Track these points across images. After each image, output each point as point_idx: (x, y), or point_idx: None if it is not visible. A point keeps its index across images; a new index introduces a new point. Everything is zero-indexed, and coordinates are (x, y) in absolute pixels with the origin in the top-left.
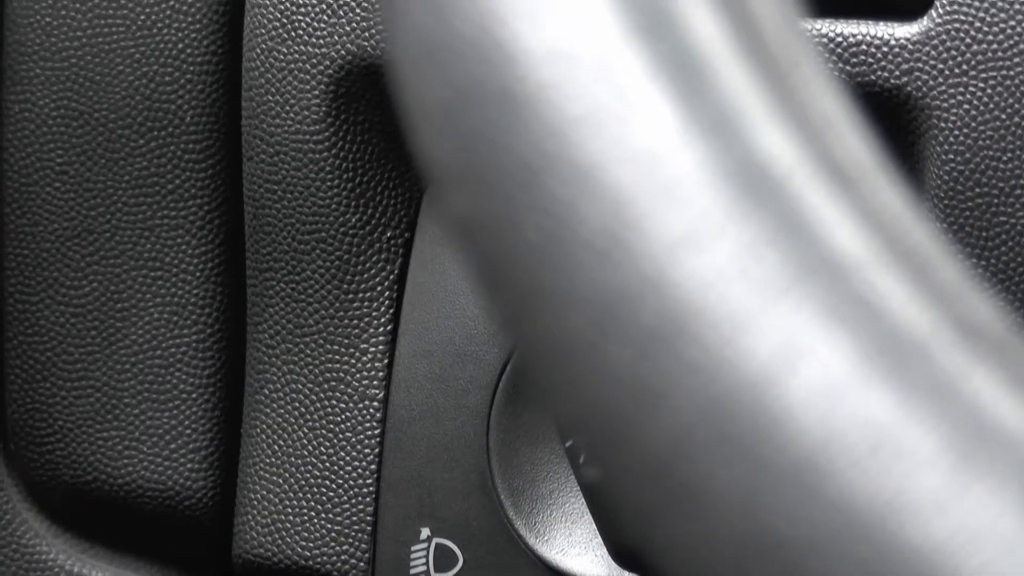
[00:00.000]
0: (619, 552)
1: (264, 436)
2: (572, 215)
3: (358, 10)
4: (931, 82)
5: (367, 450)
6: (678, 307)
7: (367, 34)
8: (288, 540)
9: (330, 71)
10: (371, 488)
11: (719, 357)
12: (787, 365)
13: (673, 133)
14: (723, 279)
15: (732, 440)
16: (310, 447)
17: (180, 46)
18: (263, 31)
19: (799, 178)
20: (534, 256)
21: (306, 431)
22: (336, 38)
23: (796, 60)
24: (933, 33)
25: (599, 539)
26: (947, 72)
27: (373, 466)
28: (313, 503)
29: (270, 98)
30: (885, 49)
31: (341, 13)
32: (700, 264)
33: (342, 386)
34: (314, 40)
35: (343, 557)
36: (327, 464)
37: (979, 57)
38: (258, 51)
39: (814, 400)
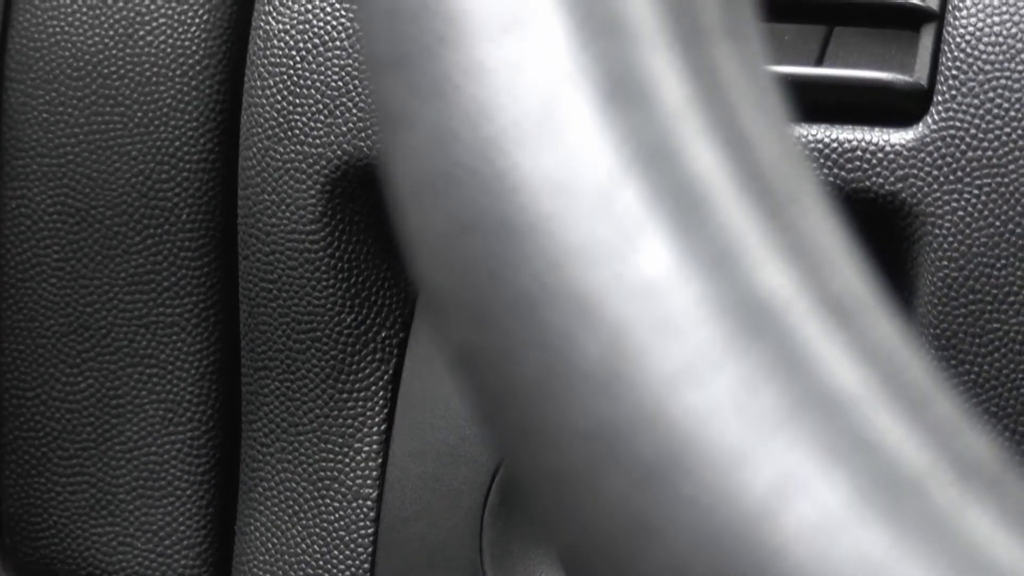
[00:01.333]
0: None
1: (258, 534)
2: (571, 348)
3: (354, 111)
4: (926, 189)
5: (360, 549)
6: (674, 441)
7: (363, 135)
8: None
9: (326, 171)
10: None
11: (715, 492)
12: (782, 500)
13: (671, 267)
14: (720, 414)
15: (727, 575)
16: (304, 545)
17: (177, 144)
18: (260, 130)
19: (796, 313)
20: (532, 388)
21: (300, 529)
22: (332, 138)
23: (794, 191)
24: (928, 140)
25: None
26: (942, 179)
27: (366, 565)
28: None
29: (266, 197)
30: (880, 155)
31: (338, 113)
32: (697, 398)
33: (336, 485)
34: (311, 140)
35: None
36: (320, 562)
37: (974, 164)
38: (255, 150)
39: (809, 536)
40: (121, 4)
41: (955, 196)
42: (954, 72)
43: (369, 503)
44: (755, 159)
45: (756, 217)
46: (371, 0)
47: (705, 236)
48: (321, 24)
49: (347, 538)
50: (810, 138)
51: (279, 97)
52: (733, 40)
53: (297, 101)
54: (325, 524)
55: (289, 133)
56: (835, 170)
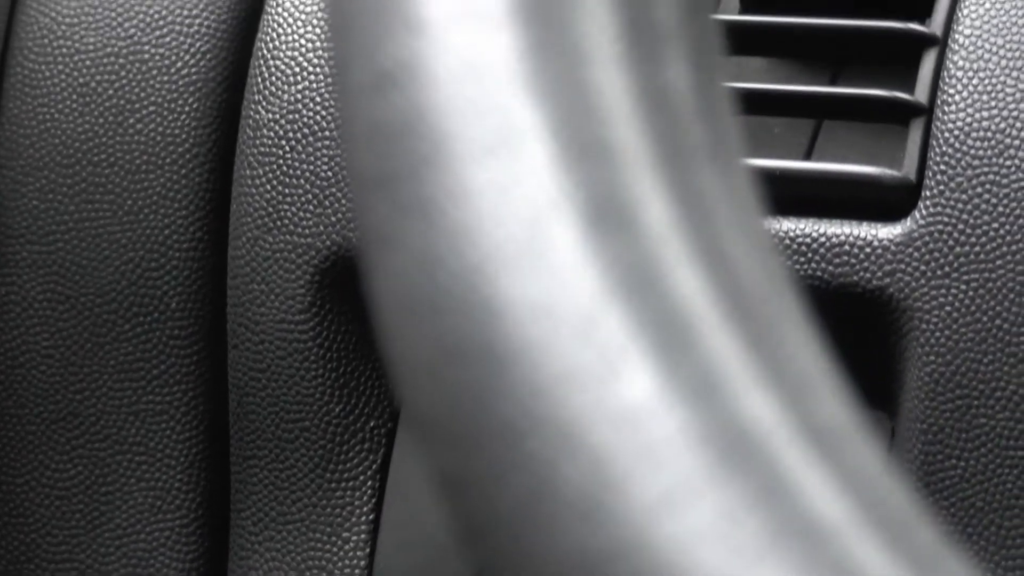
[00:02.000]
0: None
1: None
2: (554, 475)
3: (343, 201)
4: (913, 283)
5: None
6: (657, 570)
7: (352, 225)
8: None
9: (315, 261)
10: None
11: None
12: None
13: (654, 394)
14: (701, 543)
15: None
16: None
17: (166, 232)
18: (249, 220)
19: (778, 441)
20: (514, 515)
21: None
22: (322, 228)
23: (777, 317)
24: (916, 235)
25: None
26: (929, 274)
27: None
28: None
29: (255, 287)
30: (868, 250)
31: (327, 204)
32: (679, 527)
33: (324, 575)
34: (300, 230)
35: None
36: None
37: (962, 259)
38: (244, 239)
39: None
40: (111, 92)
41: (943, 291)
42: (942, 167)
43: None
44: (738, 285)
45: (739, 344)
46: (356, 118)
47: (688, 364)
48: (311, 114)
49: None
50: (798, 232)
51: (269, 187)
52: (717, 162)
53: (287, 191)
54: None
55: (279, 223)
56: (823, 264)
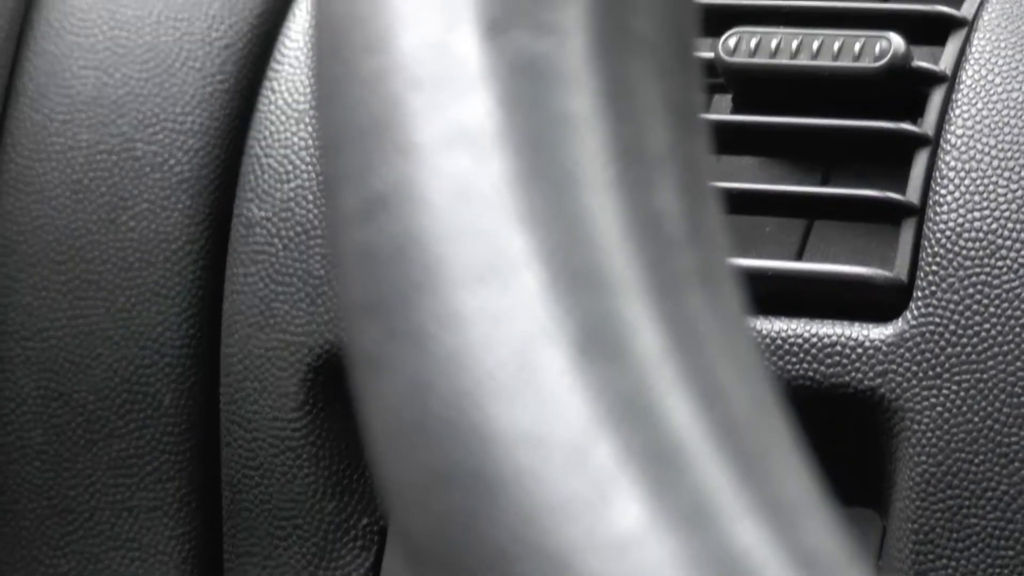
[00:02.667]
0: None
1: None
2: None
3: (336, 299)
4: (905, 384)
5: None
6: None
7: (339, 301)
8: None
9: (308, 359)
10: None
11: None
12: None
13: (645, 523)
14: None
15: None
16: None
17: (159, 329)
18: (242, 317)
19: (771, 571)
20: None
21: None
22: (314, 327)
23: (768, 444)
24: (907, 335)
25: None
26: (921, 375)
27: None
28: None
29: (248, 384)
30: (860, 351)
31: (320, 302)
32: None
33: None
34: (293, 328)
35: None
36: None
37: (953, 360)
38: (237, 337)
39: None
40: (104, 189)
41: (934, 392)
42: (934, 267)
43: None
44: (729, 412)
45: (730, 473)
46: (346, 243)
47: (679, 492)
48: (304, 212)
49: None
50: (790, 332)
51: (261, 284)
52: (708, 287)
53: (279, 289)
54: None
55: (271, 321)
56: (814, 365)
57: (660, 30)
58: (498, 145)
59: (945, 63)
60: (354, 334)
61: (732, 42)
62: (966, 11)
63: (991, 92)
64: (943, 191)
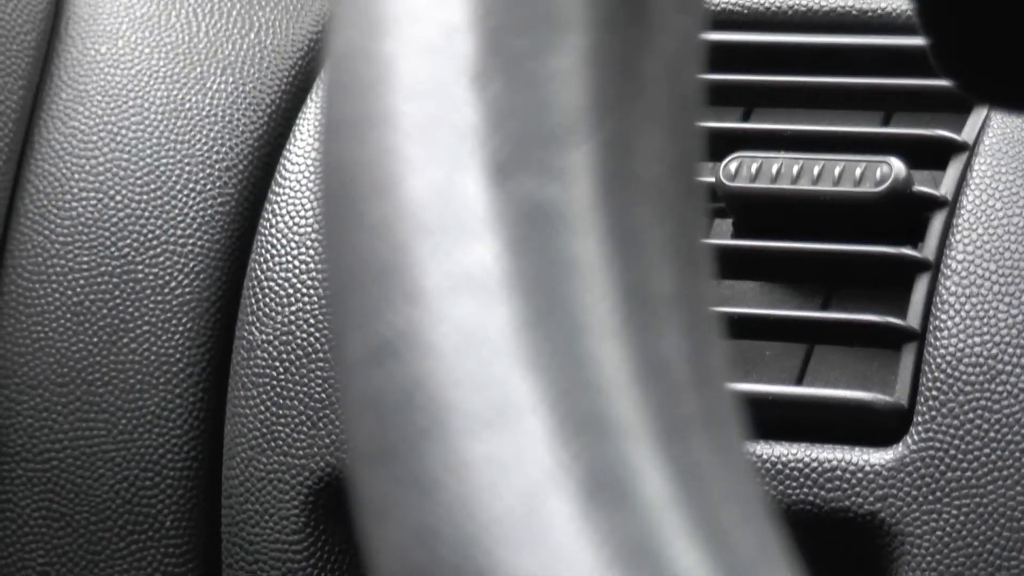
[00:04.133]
0: None
1: None
2: None
3: (337, 422)
4: (905, 508)
5: None
6: None
7: (347, 447)
8: None
9: (309, 482)
10: None
11: None
12: None
13: None
14: None
15: None
16: None
17: (161, 451)
18: (243, 440)
19: None
20: None
21: None
22: (315, 450)
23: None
24: (908, 460)
25: None
26: (921, 499)
27: None
28: None
29: (249, 507)
30: (860, 475)
31: (321, 425)
32: None
33: None
34: (293, 451)
35: None
36: None
37: (953, 484)
38: (238, 459)
39: None
40: (105, 311)
41: (934, 516)
42: (934, 393)
43: None
44: (735, 557)
45: None
46: (355, 389)
47: None
48: (304, 335)
49: None
50: (790, 457)
51: (262, 407)
52: (713, 431)
53: (280, 412)
54: None
55: (272, 443)
56: (815, 489)
57: (666, 172)
58: (504, 291)
59: (946, 187)
60: (361, 480)
61: (733, 167)
62: (967, 135)
63: (992, 217)
64: (944, 316)
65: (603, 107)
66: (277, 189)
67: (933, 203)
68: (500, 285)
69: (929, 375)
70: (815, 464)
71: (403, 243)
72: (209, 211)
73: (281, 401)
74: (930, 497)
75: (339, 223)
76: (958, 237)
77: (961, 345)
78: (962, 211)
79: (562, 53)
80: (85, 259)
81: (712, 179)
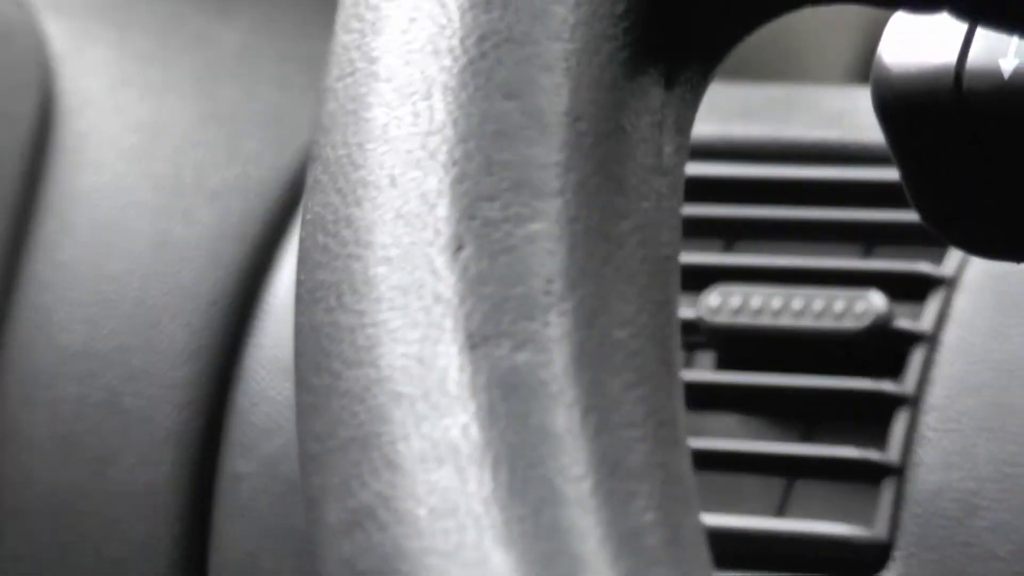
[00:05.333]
0: None
1: None
2: None
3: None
4: None
5: None
6: None
7: None
8: None
9: None
10: None
11: None
12: None
13: None
14: None
15: None
16: None
17: None
18: (227, 572)
19: None
20: None
21: None
22: None
23: None
24: None
25: None
26: None
27: None
28: None
29: None
30: None
31: (305, 558)
32: None
33: None
34: None
35: None
36: None
37: None
38: None
39: None
40: (91, 442)
41: None
42: (914, 528)
43: None
44: None
45: None
46: (332, 556)
47: None
48: (288, 468)
49: None
50: None
51: (247, 539)
52: None
53: (265, 544)
54: None
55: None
56: None
57: (643, 340)
58: (479, 460)
59: (927, 322)
60: None
61: (715, 301)
62: (948, 268)
63: (973, 352)
64: (924, 451)
65: (577, 273)
66: (261, 320)
67: (914, 338)
68: (477, 454)
69: (909, 510)
70: None
71: (382, 410)
72: (194, 344)
73: (266, 533)
74: None
75: (315, 389)
76: (939, 372)
77: (941, 480)
78: (943, 345)
79: (536, 219)
80: (72, 389)
81: (694, 313)
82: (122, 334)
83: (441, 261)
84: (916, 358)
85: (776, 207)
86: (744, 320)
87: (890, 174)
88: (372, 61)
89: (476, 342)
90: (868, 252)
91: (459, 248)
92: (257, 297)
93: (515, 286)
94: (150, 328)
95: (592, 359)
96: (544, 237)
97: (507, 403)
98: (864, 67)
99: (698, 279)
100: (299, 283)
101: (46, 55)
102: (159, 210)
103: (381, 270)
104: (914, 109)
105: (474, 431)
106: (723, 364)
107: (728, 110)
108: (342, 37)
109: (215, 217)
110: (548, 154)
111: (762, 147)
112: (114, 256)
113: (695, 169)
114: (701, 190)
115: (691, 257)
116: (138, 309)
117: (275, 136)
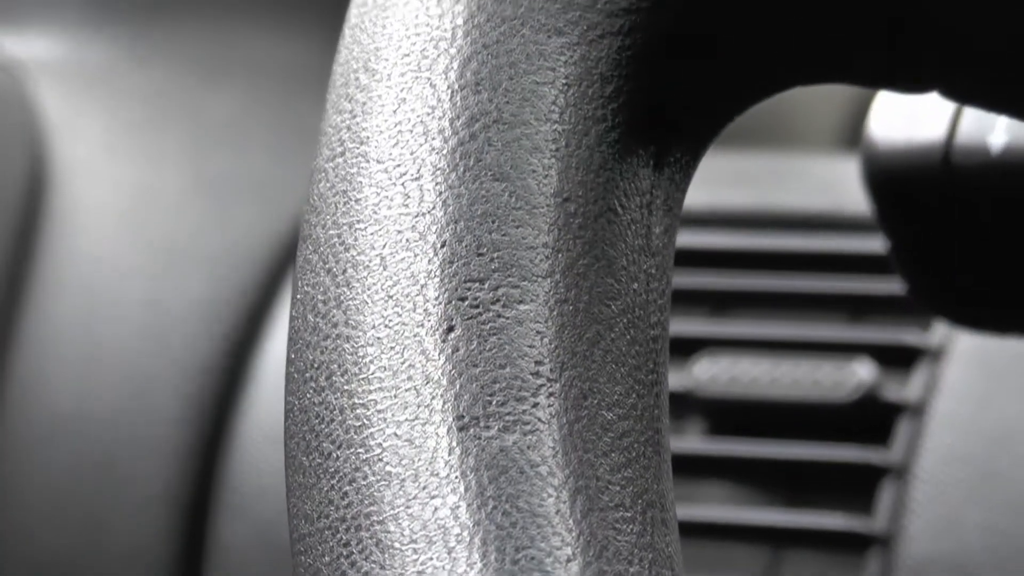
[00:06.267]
0: None
1: None
2: None
3: None
4: None
5: None
6: None
7: None
8: None
9: None
10: None
11: None
12: None
13: None
14: None
15: None
16: None
17: None
18: None
19: None
20: None
21: None
22: None
23: None
24: None
25: None
26: None
27: None
28: None
29: None
30: None
31: None
32: None
33: None
34: None
35: None
36: None
37: None
38: None
39: None
40: (83, 506)
41: None
42: None
43: None
44: None
45: None
46: None
47: None
48: (277, 535)
49: None
50: None
51: None
52: None
53: None
54: None
55: None
56: None
57: (632, 421)
58: (469, 541)
59: (914, 391)
60: None
61: (704, 370)
62: (935, 338)
63: (961, 422)
64: (912, 520)
65: (565, 355)
66: (251, 387)
67: (902, 407)
68: (466, 535)
69: None
70: None
71: (371, 491)
72: (186, 409)
73: None
74: None
75: (305, 468)
76: (927, 442)
77: (929, 549)
78: (931, 415)
79: (526, 301)
80: (64, 453)
81: (684, 383)
82: (114, 399)
83: (431, 342)
84: (904, 427)
85: (764, 276)
86: (733, 390)
87: (877, 244)
88: (362, 142)
89: (465, 423)
90: (855, 320)
91: (449, 329)
92: (248, 363)
93: (504, 368)
94: (141, 393)
95: (581, 441)
96: (533, 319)
97: (496, 484)
98: (853, 133)
99: (686, 347)
100: (289, 362)
101: (37, 123)
102: (150, 276)
103: (371, 351)
104: (903, 184)
105: (463, 512)
106: (712, 432)
107: (717, 178)
108: (332, 117)
109: (206, 284)
110: (537, 236)
111: (750, 216)
112: (106, 322)
113: (684, 238)
114: (689, 258)
115: (680, 325)
116: (130, 374)
117: (265, 204)
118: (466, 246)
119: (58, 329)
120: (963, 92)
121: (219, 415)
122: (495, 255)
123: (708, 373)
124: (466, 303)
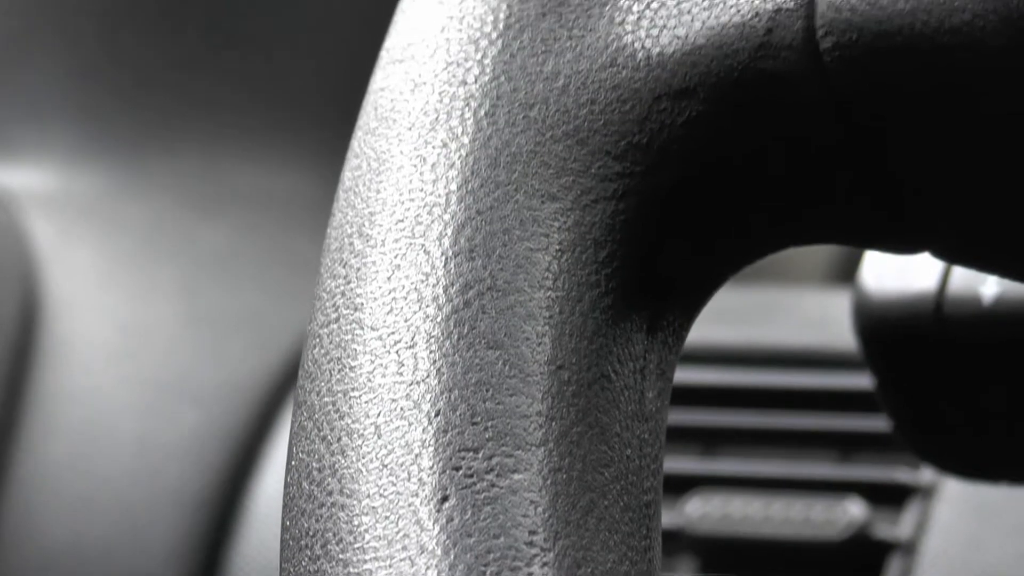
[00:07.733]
0: None
1: None
2: None
3: None
4: None
5: None
6: None
7: None
8: None
9: None
10: None
11: None
12: None
13: None
14: None
15: None
16: None
17: None
18: None
19: None
20: None
21: None
22: None
23: None
24: None
25: None
26: None
27: None
28: None
29: None
30: None
31: None
32: None
33: None
34: None
35: None
36: None
37: None
38: None
39: None
40: None
41: None
42: None
43: None
44: None
45: None
46: None
47: None
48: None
49: None
50: None
51: None
52: None
53: None
54: None
55: None
56: None
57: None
58: None
59: (905, 529)
60: None
61: (696, 509)
62: (926, 476)
63: (951, 561)
64: None
65: (559, 524)
66: (244, 523)
67: (892, 546)
68: None
69: None
70: None
71: None
72: (179, 545)
73: None
74: None
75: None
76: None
77: None
78: (923, 554)
79: (520, 470)
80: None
81: (676, 522)
82: (106, 534)
83: (425, 512)
84: (895, 565)
85: (754, 413)
86: (725, 528)
87: (867, 380)
88: (356, 308)
89: (445, 498)
90: (846, 458)
91: (443, 499)
92: (241, 499)
93: (498, 537)
94: (134, 529)
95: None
96: (527, 488)
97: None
98: (844, 266)
99: (678, 485)
100: (284, 529)
101: (30, 255)
102: (143, 411)
103: (366, 520)
104: (894, 333)
105: None
106: (704, 570)
107: (706, 313)
108: (327, 282)
109: (199, 418)
110: (531, 404)
111: (740, 352)
112: (98, 456)
113: (675, 375)
114: (680, 396)
115: (672, 463)
116: (122, 509)
117: (259, 338)
118: (460, 415)
119: (51, 465)
120: (954, 254)
121: (212, 551)
122: (489, 424)
123: (700, 511)
124: (460, 472)
